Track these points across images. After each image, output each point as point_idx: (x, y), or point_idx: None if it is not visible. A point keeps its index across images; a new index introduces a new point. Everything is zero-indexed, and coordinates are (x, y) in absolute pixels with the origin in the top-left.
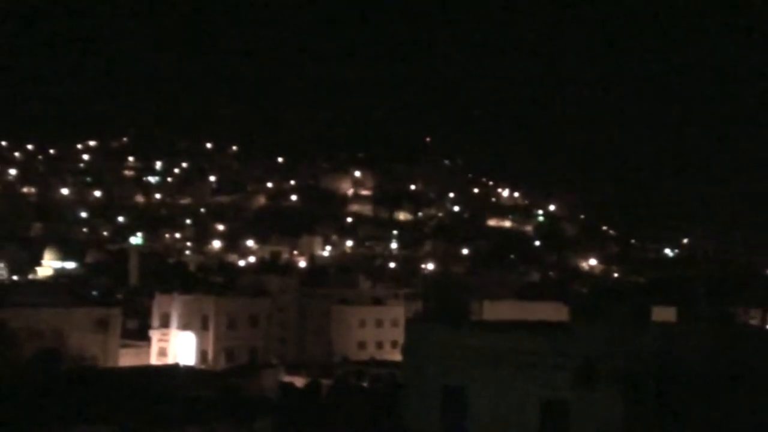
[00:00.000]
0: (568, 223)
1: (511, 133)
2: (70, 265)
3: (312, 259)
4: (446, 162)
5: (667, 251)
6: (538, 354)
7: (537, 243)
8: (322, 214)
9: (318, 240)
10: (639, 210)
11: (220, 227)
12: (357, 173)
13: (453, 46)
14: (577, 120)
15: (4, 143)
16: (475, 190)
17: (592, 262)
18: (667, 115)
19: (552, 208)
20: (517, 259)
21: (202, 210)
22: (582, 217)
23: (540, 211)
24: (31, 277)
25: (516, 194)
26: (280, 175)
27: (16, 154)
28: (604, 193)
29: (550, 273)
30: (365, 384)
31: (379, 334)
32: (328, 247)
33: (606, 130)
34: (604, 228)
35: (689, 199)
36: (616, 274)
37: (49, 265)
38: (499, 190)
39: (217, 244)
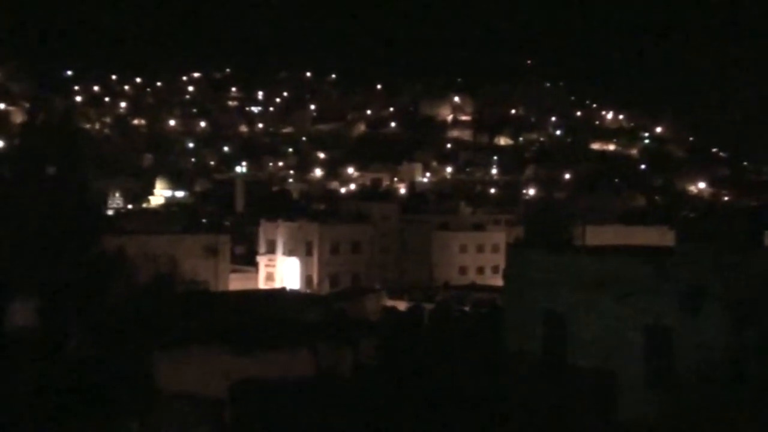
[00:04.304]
0: (675, 145)
1: (614, 54)
2: (180, 194)
3: (412, 185)
4: (548, 84)
5: None
6: (642, 279)
7: (642, 167)
8: (422, 140)
9: (418, 166)
10: (751, 130)
11: (321, 155)
12: (456, 98)
13: None
14: (684, 37)
15: (114, 77)
16: (578, 113)
17: (701, 185)
18: None
19: (659, 130)
20: (622, 183)
21: (304, 138)
22: (690, 139)
23: (646, 134)
24: (144, 205)
25: (621, 116)
26: (379, 103)
27: (126, 87)
28: (713, 113)
29: (656, 197)
30: (466, 308)
31: (479, 259)
32: (428, 174)
33: (715, 46)
34: (714, 150)
35: None
36: (726, 198)
37: (160, 194)
38: (603, 112)
39: (318, 172)
